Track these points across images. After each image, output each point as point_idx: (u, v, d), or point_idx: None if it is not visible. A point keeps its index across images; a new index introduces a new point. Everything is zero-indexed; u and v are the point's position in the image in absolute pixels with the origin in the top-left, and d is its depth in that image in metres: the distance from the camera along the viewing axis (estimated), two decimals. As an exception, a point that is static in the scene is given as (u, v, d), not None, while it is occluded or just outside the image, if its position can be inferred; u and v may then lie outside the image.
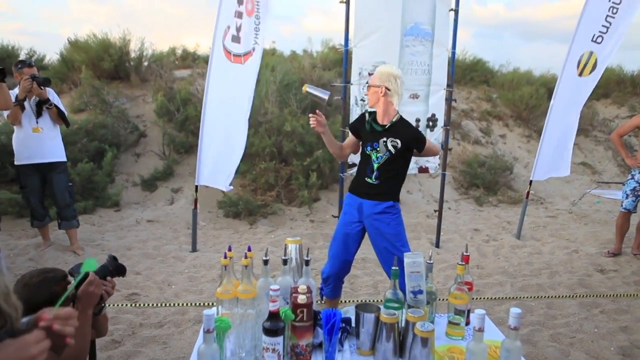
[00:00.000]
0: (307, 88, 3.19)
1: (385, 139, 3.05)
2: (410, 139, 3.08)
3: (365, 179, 3.11)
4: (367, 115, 3.19)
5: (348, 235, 3.17)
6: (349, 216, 3.17)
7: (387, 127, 3.07)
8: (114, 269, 1.99)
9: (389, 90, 3.03)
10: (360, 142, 3.25)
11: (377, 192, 3.10)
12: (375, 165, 3.07)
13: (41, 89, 4.52)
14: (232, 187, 5.32)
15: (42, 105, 4.62)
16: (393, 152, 3.05)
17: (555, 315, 3.89)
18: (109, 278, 1.95)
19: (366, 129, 3.15)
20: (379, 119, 3.11)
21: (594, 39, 5.38)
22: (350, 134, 3.36)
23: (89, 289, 1.83)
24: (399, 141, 3.04)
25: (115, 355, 3.10)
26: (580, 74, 5.49)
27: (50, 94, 4.68)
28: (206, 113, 4.91)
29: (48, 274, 1.95)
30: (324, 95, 3.17)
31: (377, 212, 3.09)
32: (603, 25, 5.32)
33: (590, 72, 5.49)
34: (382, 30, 4.75)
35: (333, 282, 3.26)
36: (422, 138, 3.15)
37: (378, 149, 3.06)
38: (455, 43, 5.16)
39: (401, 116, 3.13)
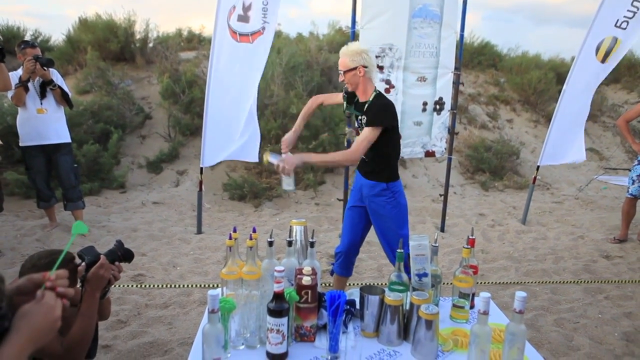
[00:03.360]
0: (269, 157, 2.86)
1: (362, 116, 2.96)
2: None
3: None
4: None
5: (353, 215, 3.20)
6: (353, 196, 3.22)
7: (364, 105, 2.94)
8: (122, 254, 2.00)
9: (366, 67, 2.89)
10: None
11: (369, 170, 3.03)
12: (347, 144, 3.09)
13: (44, 69, 4.50)
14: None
15: (46, 86, 4.60)
16: (359, 122, 3.04)
17: (560, 301, 3.89)
18: (116, 263, 1.96)
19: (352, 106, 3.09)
20: (361, 98, 2.99)
21: (618, 25, 5.20)
22: (341, 95, 3.16)
23: (99, 272, 1.85)
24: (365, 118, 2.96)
25: (121, 335, 3.13)
26: (604, 61, 5.35)
27: (54, 75, 4.66)
28: (210, 94, 4.89)
29: (56, 256, 1.96)
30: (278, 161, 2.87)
31: (373, 195, 3.03)
32: (629, 10, 5.14)
33: (613, 58, 5.36)
34: (390, 12, 4.69)
35: (341, 259, 3.26)
36: (371, 119, 2.88)
37: (360, 125, 3.05)
38: (464, 25, 5.09)
39: (378, 93, 2.95)
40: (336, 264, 3.30)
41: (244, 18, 4.83)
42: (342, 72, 2.93)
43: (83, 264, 1.91)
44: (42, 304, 1.23)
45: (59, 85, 4.66)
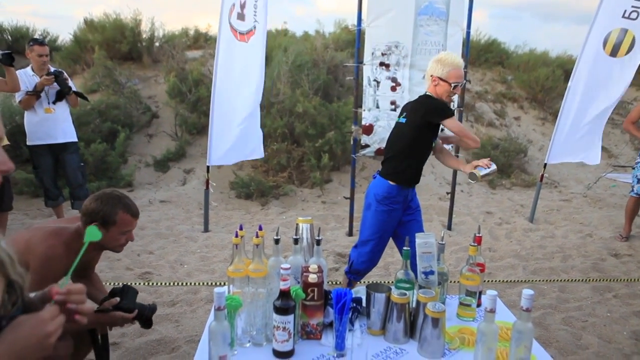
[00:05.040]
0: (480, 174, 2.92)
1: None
2: None
3: (422, 166, 3.10)
4: None
5: (392, 232, 3.16)
6: (398, 212, 3.08)
7: None
8: (146, 317, 2.07)
9: (440, 78, 2.91)
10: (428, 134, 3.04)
11: (420, 175, 3.16)
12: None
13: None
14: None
15: (62, 95, 4.65)
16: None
17: (568, 299, 3.86)
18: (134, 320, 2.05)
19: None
20: None
21: (627, 15, 5.04)
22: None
23: (116, 321, 1.96)
24: None
25: (128, 333, 3.15)
26: (615, 55, 5.18)
27: (69, 83, 4.71)
28: (216, 93, 4.90)
29: (126, 199, 2.06)
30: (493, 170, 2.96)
31: (414, 192, 3.17)
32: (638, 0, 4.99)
33: (627, 51, 5.16)
34: (396, 10, 4.68)
35: (365, 274, 3.31)
36: None
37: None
38: (470, 23, 5.06)
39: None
40: (357, 277, 3.29)
41: (241, 16, 4.86)
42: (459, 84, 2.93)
43: (116, 299, 1.97)
44: (35, 316, 1.12)
45: (73, 90, 4.71)
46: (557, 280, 4.22)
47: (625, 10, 5.05)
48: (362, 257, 3.19)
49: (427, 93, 3.00)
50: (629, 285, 4.14)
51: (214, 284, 3.95)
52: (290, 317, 1.73)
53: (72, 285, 1.22)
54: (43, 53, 4.57)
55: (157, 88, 8.39)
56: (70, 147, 4.86)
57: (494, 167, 2.91)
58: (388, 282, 3.84)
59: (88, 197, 5.15)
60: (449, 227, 5.58)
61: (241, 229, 2.04)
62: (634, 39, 5.13)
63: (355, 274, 3.27)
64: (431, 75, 2.94)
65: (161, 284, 3.94)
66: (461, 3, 4.92)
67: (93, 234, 1.36)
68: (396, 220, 3.10)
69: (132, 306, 2.00)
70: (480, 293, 2.23)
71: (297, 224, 2.27)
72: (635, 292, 3.98)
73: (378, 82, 4.84)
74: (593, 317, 3.56)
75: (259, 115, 5.40)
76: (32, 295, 1.27)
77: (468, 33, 5.10)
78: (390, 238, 3.23)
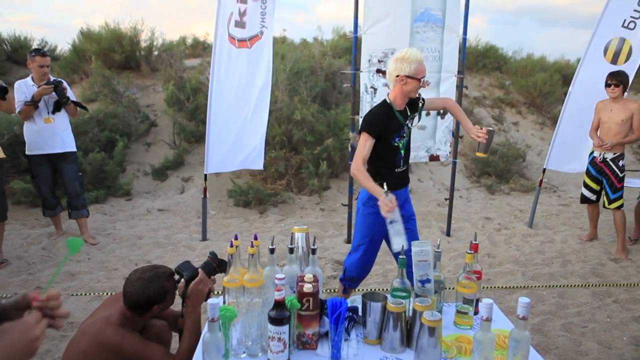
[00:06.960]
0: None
1: (407, 121, 2.99)
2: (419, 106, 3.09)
3: (395, 170, 3.01)
4: (391, 107, 2.95)
5: (382, 234, 3.09)
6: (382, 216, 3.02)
7: (405, 110, 2.99)
8: (217, 265, 2.11)
9: (408, 76, 2.85)
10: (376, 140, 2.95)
11: (404, 176, 3.09)
12: (402, 153, 2.99)
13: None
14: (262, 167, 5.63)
15: (60, 105, 4.66)
16: (410, 127, 3.04)
17: (567, 305, 3.85)
18: (212, 277, 2.10)
19: (396, 120, 2.94)
20: (399, 106, 2.95)
21: (625, 25, 5.14)
22: (369, 142, 2.87)
23: (198, 287, 2.02)
24: (415, 114, 3.07)
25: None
26: (615, 62, 5.25)
27: (68, 92, 4.72)
28: (213, 101, 4.91)
29: (159, 270, 2.10)
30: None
31: (405, 199, 3.11)
32: (635, 10, 5.08)
33: (626, 60, 5.26)
34: (392, 17, 4.70)
35: (358, 282, 3.30)
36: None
37: (404, 134, 2.96)
38: (467, 29, 5.07)
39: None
40: (352, 284, 3.29)
41: (240, 24, 4.88)
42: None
43: (182, 280, 2.05)
44: (21, 321, 1.17)
45: (72, 100, 4.72)
46: (557, 285, 4.20)
47: (624, 20, 5.15)
48: (354, 263, 3.18)
49: (386, 99, 2.96)
50: (629, 290, 4.12)
51: (211, 293, 3.92)
52: (285, 328, 1.72)
53: (49, 292, 1.27)
54: (44, 64, 4.58)
55: (156, 97, 8.40)
56: (69, 157, 4.86)
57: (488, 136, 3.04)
58: (386, 289, 3.83)
59: (85, 207, 5.12)
60: (448, 234, 5.56)
61: (236, 238, 2.04)
62: (631, 48, 5.23)
63: (349, 280, 3.26)
64: (397, 76, 2.87)
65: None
66: (457, 9, 4.93)
67: (75, 245, 1.35)
68: (383, 226, 3.02)
69: (194, 272, 2.08)
70: (477, 301, 2.22)
71: (292, 233, 2.27)
72: (635, 297, 3.97)
73: (375, 89, 4.85)
74: (593, 322, 3.54)
75: (265, 123, 5.40)
76: (4, 302, 1.30)
77: (464, 39, 5.11)
78: (388, 248, 3.22)
